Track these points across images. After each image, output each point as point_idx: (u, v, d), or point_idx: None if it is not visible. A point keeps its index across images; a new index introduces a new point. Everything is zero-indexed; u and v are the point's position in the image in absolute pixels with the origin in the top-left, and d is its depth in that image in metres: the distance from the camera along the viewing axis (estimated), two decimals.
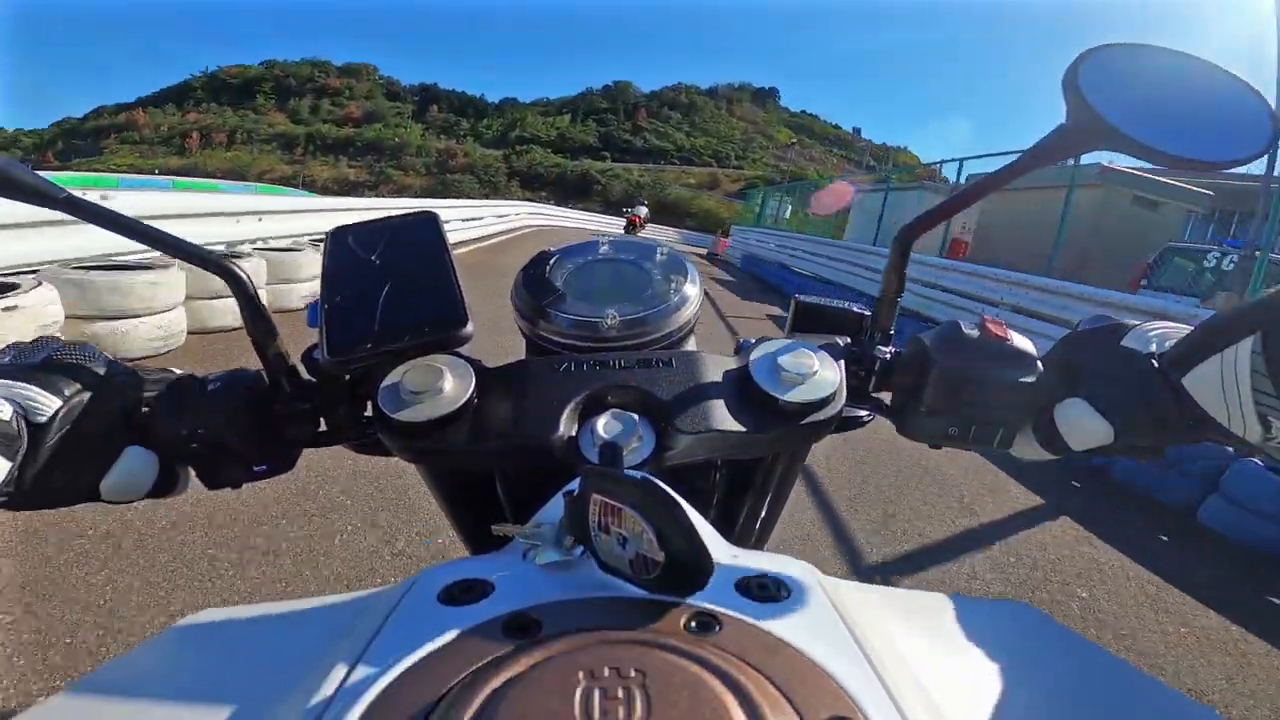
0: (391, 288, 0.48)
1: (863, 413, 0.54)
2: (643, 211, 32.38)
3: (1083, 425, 0.44)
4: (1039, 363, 0.46)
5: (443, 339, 0.45)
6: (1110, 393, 0.44)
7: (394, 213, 0.54)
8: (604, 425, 0.42)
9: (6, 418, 0.37)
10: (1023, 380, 0.45)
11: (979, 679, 0.24)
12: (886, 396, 0.52)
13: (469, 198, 52.14)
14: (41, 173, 0.41)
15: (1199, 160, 0.40)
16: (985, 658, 0.26)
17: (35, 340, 0.43)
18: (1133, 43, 0.46)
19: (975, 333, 0.46)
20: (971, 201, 0.48)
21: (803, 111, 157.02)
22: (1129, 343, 0.45)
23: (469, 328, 0.45)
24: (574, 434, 0.42)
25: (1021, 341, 0.46)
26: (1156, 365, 0.43)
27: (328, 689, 0.22)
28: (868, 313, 0.54)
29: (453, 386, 0.43)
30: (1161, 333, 0.44)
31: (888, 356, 0.51)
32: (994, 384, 0.45)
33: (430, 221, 0.53)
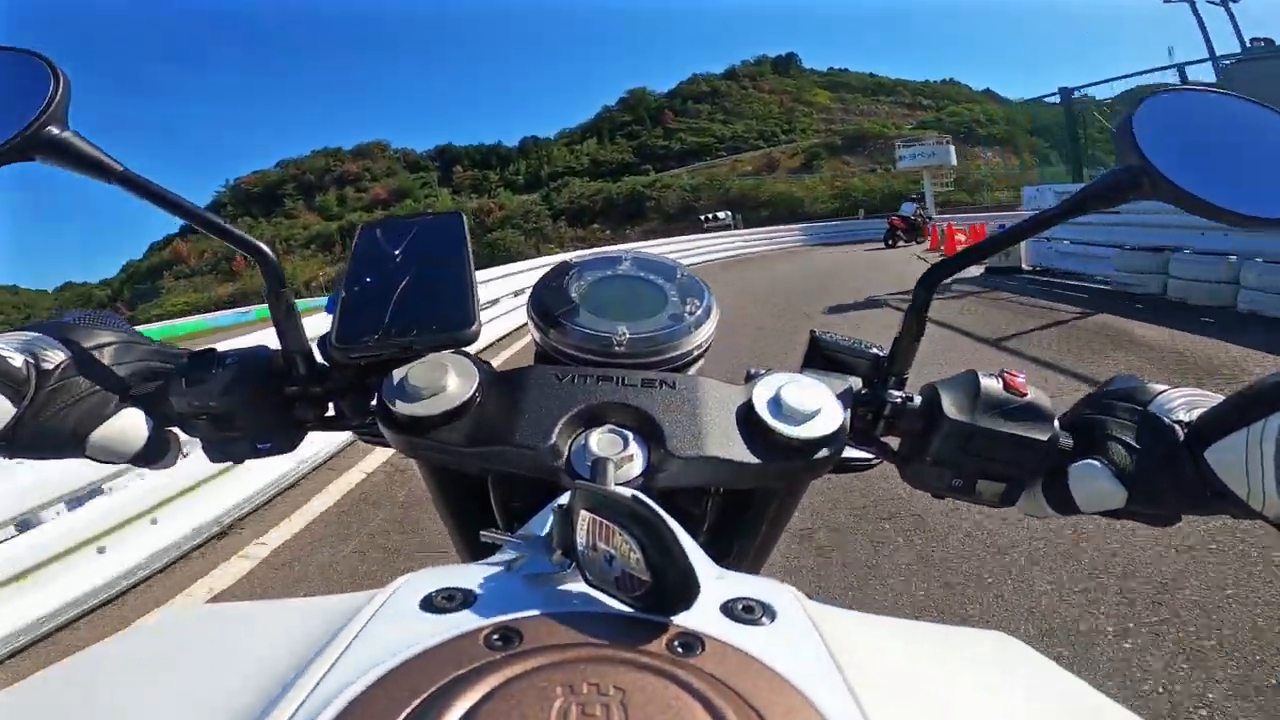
0: (408, 284, 0.50)
1: (867, 455, 0.53)
2: (909, 208, 20.62)
3: (1096, 488, 0.43)
4: (1055, 421, 0.45)
5: (449, 338, 0.47)
6: (1129, 458, 0.42)
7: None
8: (597, 441, 0.42)
9: (18, 364, 0.40)
10: (1035, 438, 0.44)
11: (956, 707, 0.24)
12: (894, 441, 0.51)
13: (523, 256, 44.13)
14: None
15: (1255, 217, 0.39)
16: (963, 686, 0.26)
17: (68, 310, 0.50)
18: (1195, 88, 0.45)
19: (994, 384, 0.45)
20: (1013, 243, 0.47)
21: (831, 69, 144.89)
22: (1154, 409, 0.43)
23: (475, 329, 0.47)
24: (568, 447, 0.42)
25: (1039, 397, 0.45)
26: (1180, 435, 0.41)
27: (299, 693, 0.21)
28: (884, 354, 0.52)
29: (455, 386, 0.43)
30: (1188, 400, 0.43)
31: (898, 401, 0.49)
32: (1005, 441, 0.44)
33: (457, 222, 0.56)
